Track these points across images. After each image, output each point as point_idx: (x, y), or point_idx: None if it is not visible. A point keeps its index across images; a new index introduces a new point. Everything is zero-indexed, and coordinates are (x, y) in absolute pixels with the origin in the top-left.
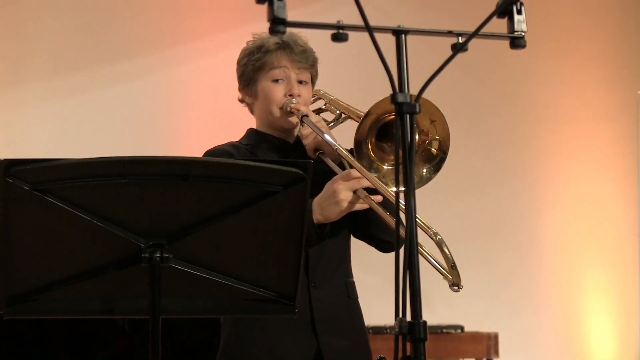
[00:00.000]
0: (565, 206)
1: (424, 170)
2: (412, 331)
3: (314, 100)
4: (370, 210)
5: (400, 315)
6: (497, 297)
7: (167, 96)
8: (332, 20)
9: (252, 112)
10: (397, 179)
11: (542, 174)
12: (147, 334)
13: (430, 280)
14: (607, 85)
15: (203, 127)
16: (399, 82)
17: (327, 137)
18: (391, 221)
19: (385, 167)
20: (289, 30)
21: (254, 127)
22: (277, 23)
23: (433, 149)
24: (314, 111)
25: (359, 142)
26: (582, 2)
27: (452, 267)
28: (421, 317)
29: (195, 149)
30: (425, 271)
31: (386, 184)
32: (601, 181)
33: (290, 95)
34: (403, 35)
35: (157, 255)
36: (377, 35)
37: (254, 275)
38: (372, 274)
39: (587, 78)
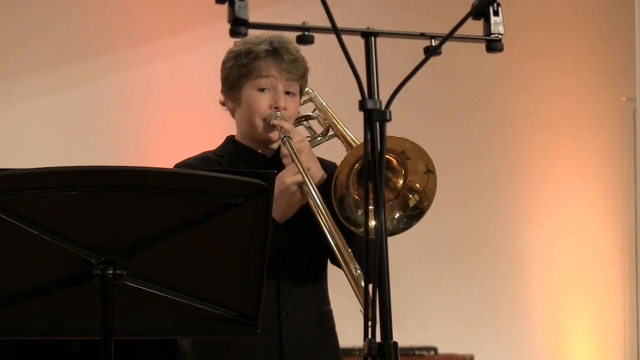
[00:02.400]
0: (546, 220)
1: (396, 216)
2: (382, 353)
3: (303, 102)
4: (354, 247)
5: (370, 336)
6: (472, 317)
7: (124, 100)
8: (297, 21)
9: (233, 116)
10: (366, 192)
11: (521, 186)
12: (99, 356)
13: (402, 299)
14: (590, 91)
15: (162, 134)
16: (369, 87)
17: (304, 171)
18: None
19: (370, 207)
20: (280, 34)
21: (232, 132)
22: (238, 24)
23: (412, 200)
24: (303, 117)
25: (341, 197)
26: (564, 3)
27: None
28: (392, 338)
29: (154, 157)
30: (397, 289)
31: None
32: (584, 193)
33: (275, 107)
34: (372, 38)
35: (110, 272)
36: (345, 37)
37: (213, 293)
38: (339, 292)
39: (568, 83)
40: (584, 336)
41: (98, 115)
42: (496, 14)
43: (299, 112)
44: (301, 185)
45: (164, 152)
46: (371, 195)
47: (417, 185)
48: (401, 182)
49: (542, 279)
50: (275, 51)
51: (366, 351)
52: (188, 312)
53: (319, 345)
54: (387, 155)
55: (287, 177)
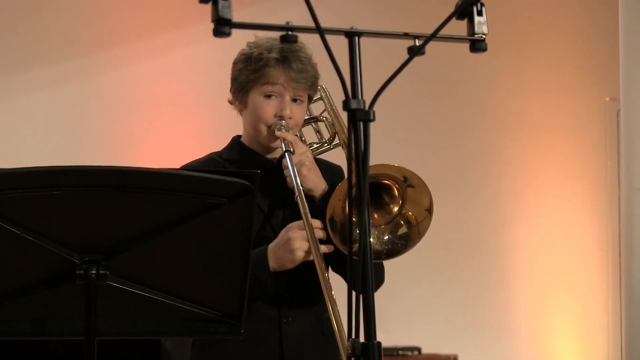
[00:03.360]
0: (529, 221)
1: (385, 238)
2: (365, 353)
3: (315, 100)
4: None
5: (353, 336)
6: (456, 317)
7: (109, 100)
8: (280, 20)
9: (240, 114)
10: (349, 189)
11: (504, 186)
12: (82, 357)
13: (386, 299)
14: (573, 91)
15: (148, 133)
16: (352, 87)
17: (299, 187)
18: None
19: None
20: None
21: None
22: (221, 24)
23: (404, 228)
24: (311, 119)
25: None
26: (547, 3)
27: None
28: (375, 338)
29: (139, 156)
30: (380, 289)
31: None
32: (568, 194)
33: (280, 116)
34: (356, 38)
35: (93, 272)
36: (329, 37)
37: (197, 293)
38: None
39: (552, 84)
40: (568, 336)
41: (82, 114)
42: (480, 14)
43: (308, 112)
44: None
45: (149, 151)
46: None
47: (413, 216)
48: (397, 209)
49: (525, 279)
50: (285, 59)
51: (350, 351)
52: (172, 312)
53: (320, 352)
54: (387, 182)
55: (296, 239)
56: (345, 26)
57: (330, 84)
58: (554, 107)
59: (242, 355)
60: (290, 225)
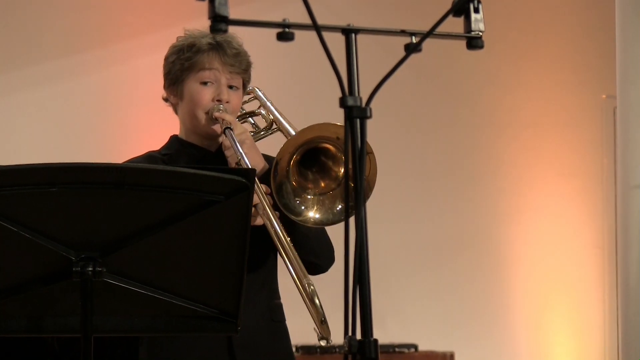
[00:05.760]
0: (526, 218)
1: (338, 208)
2: (362, 350)
3: (249, 100)
4: (294, 232)
5: (350, 333)
6: (453, 315)
7: (104, 97)
8: (277, 18)
9: (176, 112)
10: (346, 190)
11: (501, 184)
12: (78, 354)
13: (382, 296)
14: (570, 88)
15: (143, 130)
16: (349, 84)
17: (245, 159)
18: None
19: (309, 197)
20: None
21: (177, 131)
22: (218, 21)
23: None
24: (247, 114)
25: (280, 183)
26: (544, 1)
27: (322, 322)
28: (372, 335)
29: (129, 155)
30: (377, 286)
31: (304, 212)
32: (564, 191)
33: (218, 100)
34: (353, 35)
35: (89, 269)
36: (325, 34)
37: (193, 290)
38: (318, 289)
39: (549, 81)
40: (565, 333)
41: (78, 111)
42: (477, 11)
43: (243, 109)
44: (256, 206)
45: (146, 148)
46: (310, 185)
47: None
48: (342, 170)
49: (522, 276)
50: (219, 45)
51: (346, 348)
52: (168, 309)
53: (270, 338)
54: (324, 144)
55: None
56: (342, 23)
57: (327, 82)
58: (551, 104)
59: (190, 344)
60: None
